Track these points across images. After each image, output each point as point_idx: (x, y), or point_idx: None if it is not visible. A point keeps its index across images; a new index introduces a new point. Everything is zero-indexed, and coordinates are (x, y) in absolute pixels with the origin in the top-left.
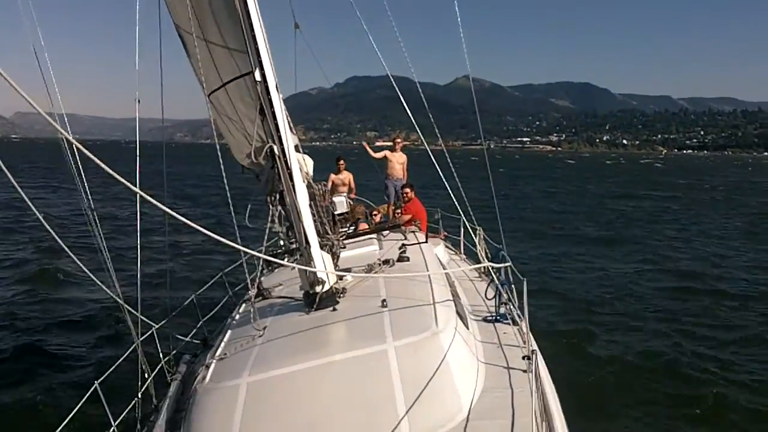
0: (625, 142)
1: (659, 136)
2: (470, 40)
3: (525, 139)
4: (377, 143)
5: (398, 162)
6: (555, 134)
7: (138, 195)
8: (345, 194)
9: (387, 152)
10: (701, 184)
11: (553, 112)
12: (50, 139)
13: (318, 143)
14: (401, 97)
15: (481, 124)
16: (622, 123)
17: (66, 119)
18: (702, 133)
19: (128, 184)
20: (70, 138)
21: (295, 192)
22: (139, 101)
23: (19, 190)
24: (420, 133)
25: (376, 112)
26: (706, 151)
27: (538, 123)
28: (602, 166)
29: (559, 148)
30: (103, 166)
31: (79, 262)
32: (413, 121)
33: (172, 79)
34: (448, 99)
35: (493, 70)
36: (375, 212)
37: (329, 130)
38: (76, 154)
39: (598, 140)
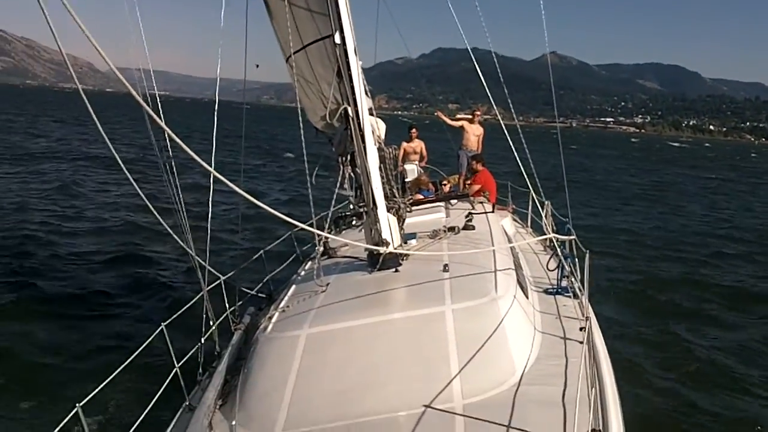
0: (711, 128)
1: (747, 123)
2: (558, 16)
3: (609, 119)
4: (459, 115)
5: (474, 134)
6: (640, 116)
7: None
8: (416, 162)
9: (465, 122)
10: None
11: (640, 93)
12: (142, 95)
13: (400, 112)
14: (478, 70)
15: (564, 102)
16: (711, 108)
17: (153, 77)
18: None
19: (204, 164)
20: (154, 115)
21: (366, 153)
22: (257, 66)
23: (109, 144)
24: (495, 107)
25: (460, 84)
26: None
27: (623, 104)
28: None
29: (643, 131)
30: (182, 144)
31: (155, 212)
32: (489, 95)
33: (260, 42)
34: (534, 75)
35: (581, 48)
36: (445, 182)
37: (412, 100)
38: (160, 111)
39: (684, 124)
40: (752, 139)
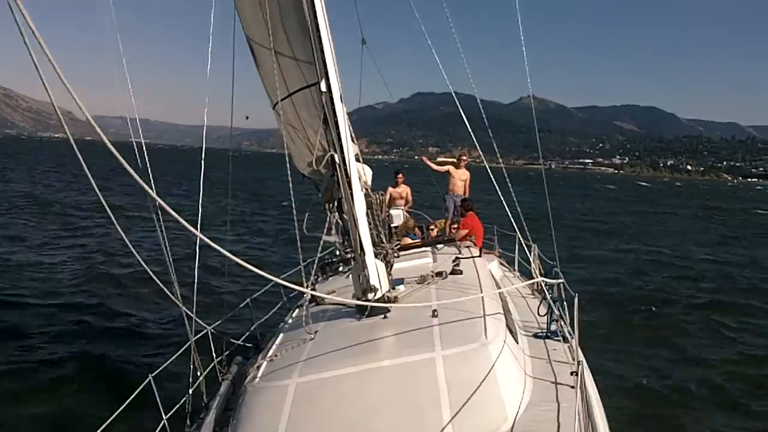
0: (689, 167)
1: (725, 163)
2: (536, 60)
3: (587, 161)
4: (439, 159)
5: (460, 179)
6: (618, 157)
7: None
8: (402, 207)
9: (451, 168)
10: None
11: (617, 134)
12: (122, 143)
13: (380, 156)
14: (462, 113)
15: (544, 144)
16: (688, 148)
17: (138, 124)
18: None
19: (191, 228)
20: (143, 184)
21: (353, 199)
22: (247, 117)
23: (96, 188)
24: (480, 150)
25: (439, 128)
26: None
27: (601, 145)
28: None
29: (621, 171)
30: (167, 207)
31: (141, 261)
32: (473, 137)
33: (241, 88)
34: (512, 118)
35: (558, 91)
36: (432, 226)
37: (392, 144)
38: (146, 158)
39: (662, 164)
40: (729, 178)
